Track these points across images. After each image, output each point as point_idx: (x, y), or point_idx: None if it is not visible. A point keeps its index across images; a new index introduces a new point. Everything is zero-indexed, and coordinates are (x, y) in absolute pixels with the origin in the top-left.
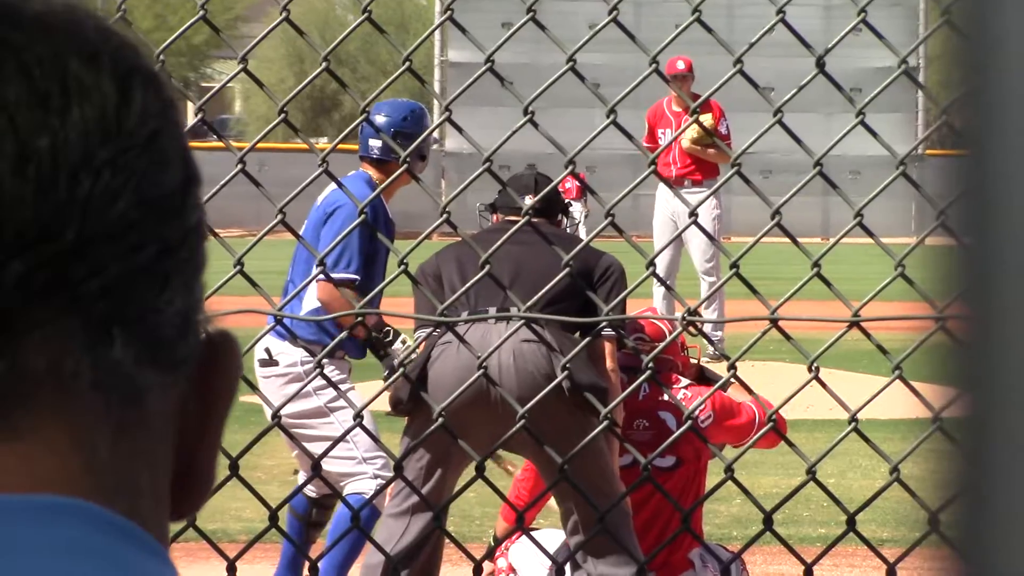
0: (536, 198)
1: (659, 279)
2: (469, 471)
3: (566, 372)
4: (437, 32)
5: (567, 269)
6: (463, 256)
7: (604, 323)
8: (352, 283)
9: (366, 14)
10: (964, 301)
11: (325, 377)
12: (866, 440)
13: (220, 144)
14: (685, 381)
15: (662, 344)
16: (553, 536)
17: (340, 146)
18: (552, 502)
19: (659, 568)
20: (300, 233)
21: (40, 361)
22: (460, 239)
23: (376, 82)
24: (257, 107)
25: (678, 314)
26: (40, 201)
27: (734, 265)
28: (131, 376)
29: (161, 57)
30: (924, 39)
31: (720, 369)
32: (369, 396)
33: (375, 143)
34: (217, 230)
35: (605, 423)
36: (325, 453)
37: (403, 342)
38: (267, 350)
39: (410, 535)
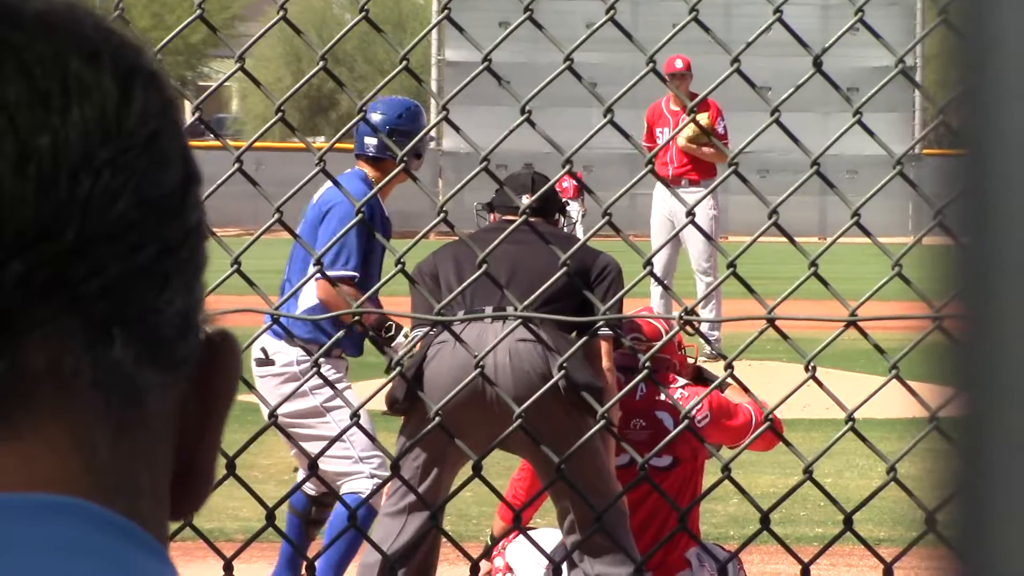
0: (533, 197)
1: (656, 278)
2: (466, 470)
3: (563, 372)
4: (434, 31)
5: (564, 268)
6: (460, 255)
7: (601, 322)
8: (351, 280)
9: (363, 13)
10: (961, 301)
11: (322, 376)
12: (863, 439)
13: (217, 143)
14: (682, 381)
15: (659, 343)
16: (550, 535)
17: (337, 145)
18: (549, 501)
19: (656, 567)
20: (294, 229)
21: (40, 360)
22: (457, 238)
23: (373, 81)
24: (254, 106)
25: (675, 313)
26: (40, 201)
27: (731, 264)
28: (131, 376)
29: (158, 56)
30: (921, 38)
31: (717, 368)
32: (366, 395)
33: (370, 141)
34: (214, 229)
35: (602, 422)
36: (321, 453)
37: (405, 336)
38: (263, 349)
39: (407, 534)
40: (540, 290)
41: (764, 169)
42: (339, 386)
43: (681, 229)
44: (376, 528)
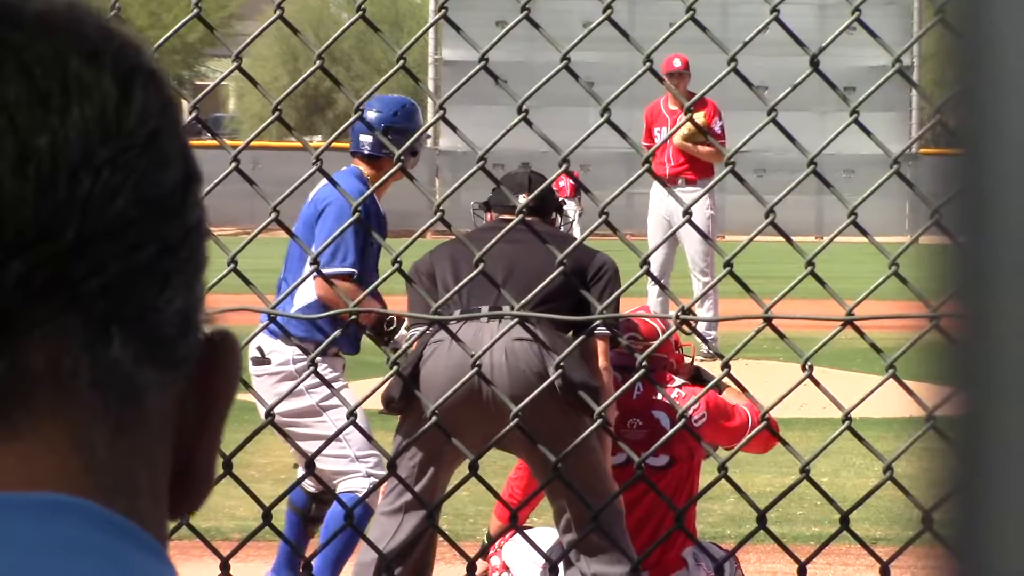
0: (530, 196)
1: (653, 278)
2: (462, 469)
3: (559, 371)
4: (431, 30)
5: (560, 267)
6: (457, 254)
7: (597, 321)
8: (349, 276)
9: (360, 12)
10: (959, 300)
11: (319, 375)
12: (860, 439)
13: (214, 142)
14: (679, 380)
15: (656, 343)
16: (547, 534)
17: (334, 144)
18: (546, 500)
19: (652, 567)
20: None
21: (39, 360)
22: (454, 237)
23: (370, 80)
24: (251, 105)
25: (672, 312)
26: (40, 200)
27: (728, 264)
28: (130, 375)
29: (155, 55)
30: (918, 38)
31: (714, 368)
32: (363, 394)
33: (366, 139)
34: (211, 228)
35: (598, 421)
36: (318, 452)
37: (407, 328)
38: (259, 348)
39: (403, 533)
40: (537, 289)
41: (761, 168)
42: (336, 385)
43: (678, 228)
44: (372, 527)
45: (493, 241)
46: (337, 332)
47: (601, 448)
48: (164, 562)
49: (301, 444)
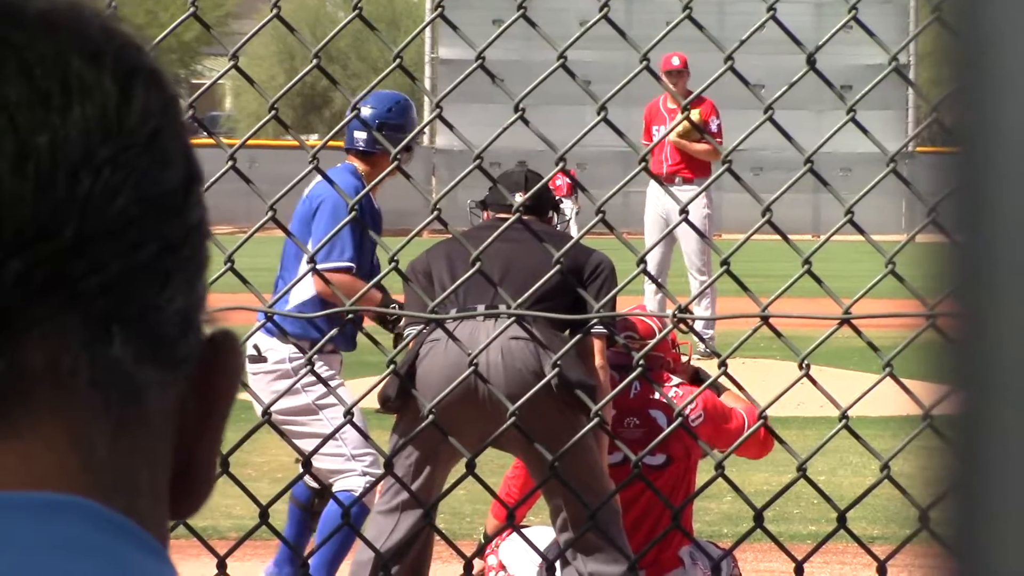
0: (527, 195)
1: (650, 276)
2: (459, 468)
3: (556, 369)
4: (428, 29)
5: (557, 266)
6: (453, 253)
7: (594, 320)
8: (348, 271)
9: (357, 11)
10: (956, 298)
11: (315, 374)
12: (857, 437)
13: (210, 141)
14: (676, 380)
15: (653, 341)
16: (543, 533)
17: (330, 143)
18: (543, 499)
19: (649, 566)
20: (287, 227)
21: (39, 359)
22: (451, 236)
23: (367, 79)
24: (248, 104)
25: (669, 311)
26: (39, 199)
27: (725, 262)
28: (130, 374)
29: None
30: (915, 36)
31: (711, 367)
32: (359, 393)
33: (360, 135)
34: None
35: (595, 420)
36: (315, 451)
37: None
38: (256, 346)
39: (400, 532)
40: (533, 288)
41: (758, 167)
42: (332, 383)
43: (675, 227)
44: (369, 526)
45: (490, 240)
46: (334, 331)
47: (598, 447)
48: (164, 561)
49: (297, 442)
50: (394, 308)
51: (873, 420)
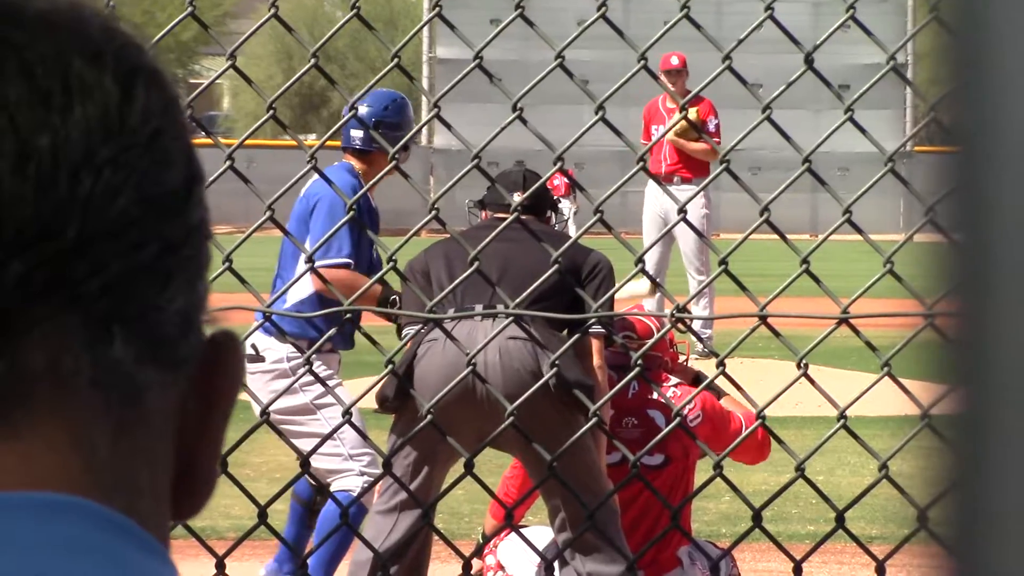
0: (525, 195)
1: (648, 276)
2: (457, 468)
3: (554, 369)
4: (425, 29)
5: (555, 266)
6: (451, 253)
7: (592, 320)
8: (346, 267)
9: (355, 10)
10: (955, 298)
11: (313, 374)
12: (855, 437)
13: (208, 141)
14: (674, 380)
15: (651, 341)
16: (542, 533)
17: (328, 143)
18: (541, 499)
19: (647, 566)
20: (285, 226)
21: (39, 360)
22: (449, 236)
23: (365, 79)
24: (245, 104)
25: (667, 311)
26: (40, 199)
27: (723, 262)
28: (131, 374)
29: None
30: (912, 35)
31: (709, 366)
32: (357, 393)
33: (356, 134)
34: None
35: (593, 420)
36: (313, 451)
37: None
38: (253, 346)
39: (398, 532)
40: (531, 288)
41: (756, 166)
42: (330, 383)
43: (673, 226)
44: (367, 526)
45: (488, 240)
46: (333, 331)
47: (596, 447)
48: (165, 562)
49: (295, 442)
50: (395, 299)
51: (871, 420)
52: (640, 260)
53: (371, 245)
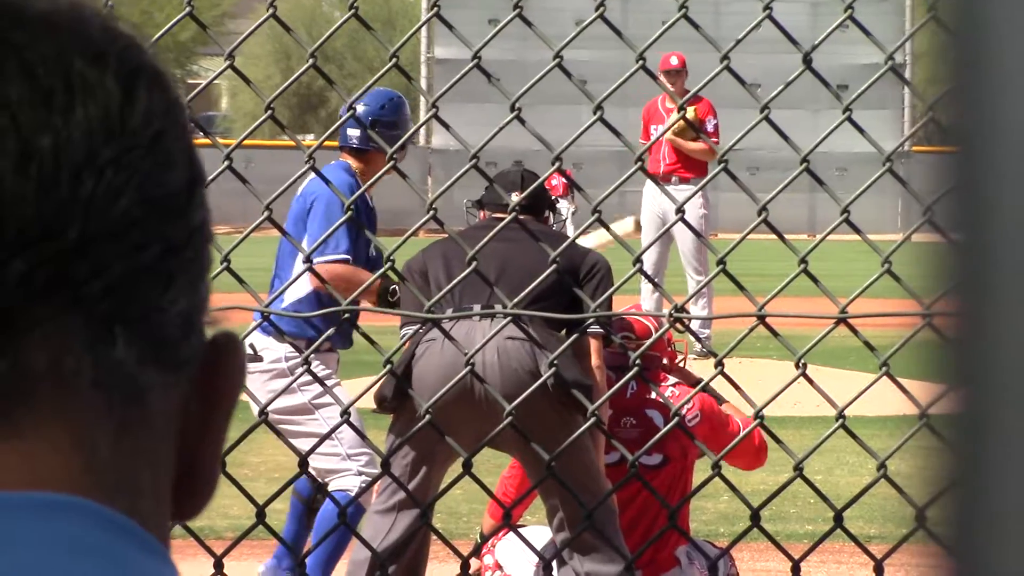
0: (523, 195)
1: (646, 276)
2: (456, 468)
3: (552, 369)
4: (424, 29)
5: (553, 266)
6: (449, 253)
7: (590, 320)
8: (345, 262)
9: (353, 11)
10: (953, 298)
11: (312, 374)
12: (853, 437)
13: (207, 141)
14: (672, 380)
15: (649, 341)
16: (540, 533)
17: (326, 143)
18: (539, 499)
19: (645, 566)
20: (283, 226)
21: (41, 359)
22: (447, 236)
23: (363, 79)
24: (244, 104)
25: (666, 311)
26: (42, 199)
27: (721, 262)
28: (133, 375)
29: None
30: (911, 35)
31: (708, 366)
32: (355, 393)
33: (353, 133)
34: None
35: (591, 420)
36: (312, 450)
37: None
38: (251, 345)
39: (396, 532)
40: (529, 288)
41: (754, 166)
42: (328, 382)
43: (671, 226)
44: (366, 526)
45: (486, 240)
46: (331, 330)
47: (594, 447)
48: (165, 562)
49: (293, 442)
50: (394, 288)
51: (870, 419)
52: (638, 260)
53: (369, 241)
